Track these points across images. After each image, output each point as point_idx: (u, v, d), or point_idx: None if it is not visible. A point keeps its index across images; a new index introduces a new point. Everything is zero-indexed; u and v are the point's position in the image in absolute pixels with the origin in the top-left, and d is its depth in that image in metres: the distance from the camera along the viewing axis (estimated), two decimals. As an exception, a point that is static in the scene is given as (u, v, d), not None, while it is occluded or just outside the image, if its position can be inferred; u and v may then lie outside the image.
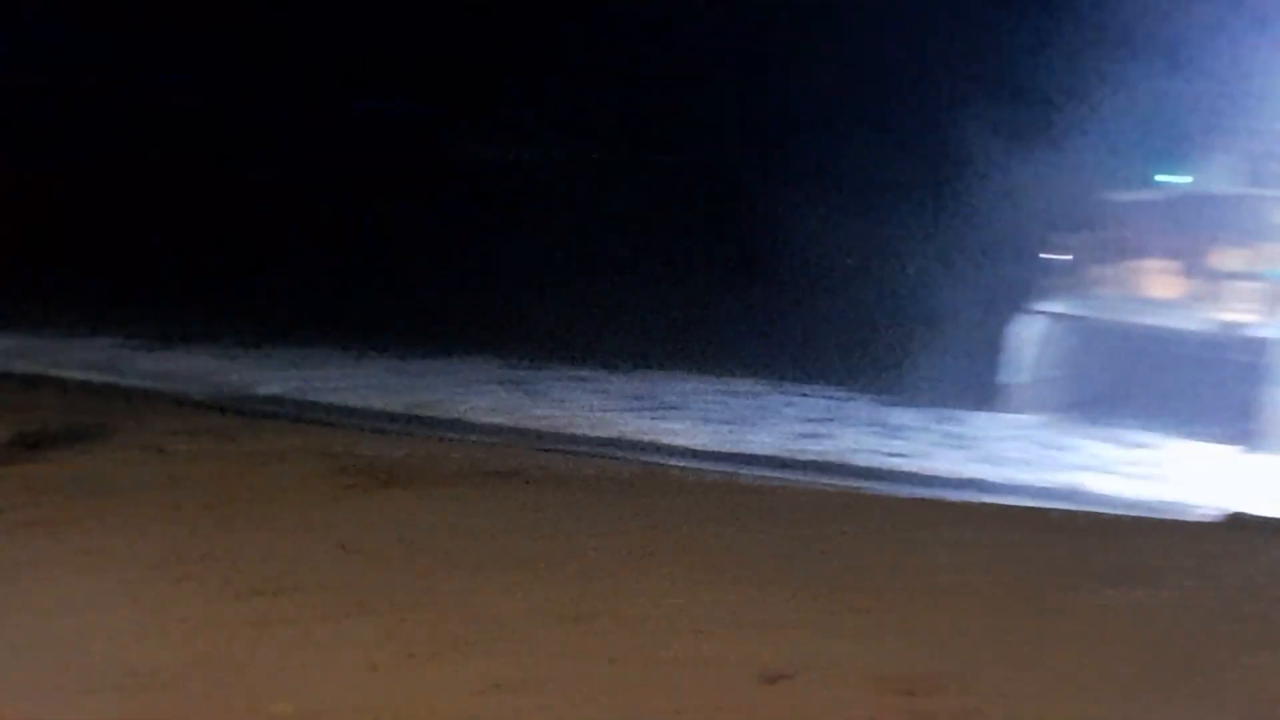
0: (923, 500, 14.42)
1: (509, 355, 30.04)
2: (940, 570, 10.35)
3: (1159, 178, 34.72)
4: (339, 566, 9.23)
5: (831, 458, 22.83)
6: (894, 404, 29.72)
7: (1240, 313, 31.46)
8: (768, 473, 19.39)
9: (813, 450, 23.37)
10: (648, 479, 15.05)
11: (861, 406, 29.56)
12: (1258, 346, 30.06)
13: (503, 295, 36.47)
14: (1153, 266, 34.60)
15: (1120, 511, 15.47)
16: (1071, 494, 20.24)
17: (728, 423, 25.73)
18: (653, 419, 25.12)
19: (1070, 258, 32.42)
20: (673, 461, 19.45)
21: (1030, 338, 31.63)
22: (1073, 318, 31.93)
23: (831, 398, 30.27)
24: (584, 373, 29.41)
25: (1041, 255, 32.02)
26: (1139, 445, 27.00)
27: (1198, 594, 10.08)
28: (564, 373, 29.20)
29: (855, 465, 22.10)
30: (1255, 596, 10.19)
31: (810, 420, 27.30)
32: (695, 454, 21.84)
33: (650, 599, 8.66)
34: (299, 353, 27.91)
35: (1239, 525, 12.71)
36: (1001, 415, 29.86)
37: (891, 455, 23.47)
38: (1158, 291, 33.88)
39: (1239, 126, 34.06)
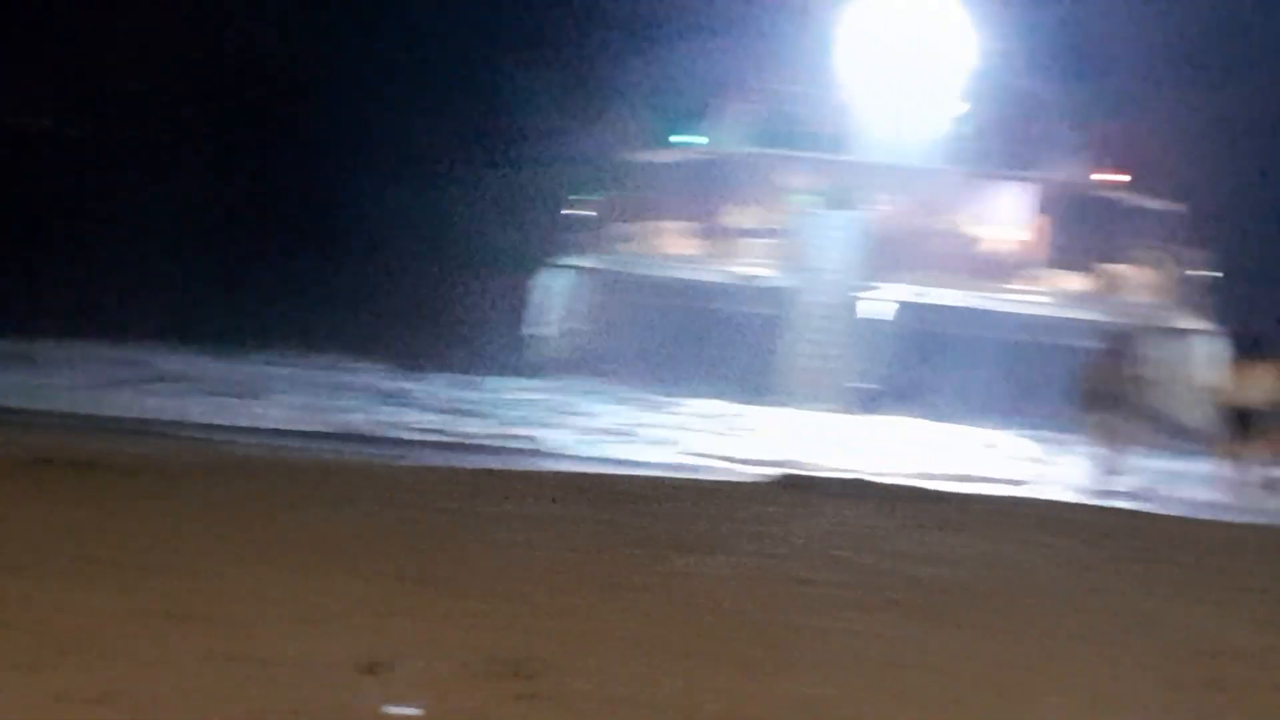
0: (475, 470, 14.40)
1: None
2: (519, 546, 10.42)
3: (675, 139, 35.87)
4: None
5: (363, 429, 22.48)
6: (409, 371, 29.61)
7: (754, 266, 32.84)
8: (282, 443, 19.03)
9: (328, 421, 23.00)
10: (199, 460, 14.59)
11: (377, 376, 29.40)
12: (772, 297, 31.39)
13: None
14: (672, 223, 35.73)
15: (670, 475, 15.80)
16: (610, 460, 20.51)
17: (235, 395, 25.11)
18: (157, 395, 24.22)
19: (593, 214, 33.14)
20: (187, 436, 18.89)
21: (554, 292, 32.11)
22: (595, 271, 32.62)
23: (345, 368, 30.01)
24: (76, 345, 28.13)
25: (565, 212, 32.64)
26: (666, 404, 27.72)
27: (761, 558, 10.45)
28: (54, 346, 27.81)
29: (386, 437, 21.87)
30: (815, 557, 10.65)
31: (323, 389, 26.94)
32: (223, 429, 21.07)
33: (248, 593, 8.44)
34: None
35: (789, 485, 13.23)
36: (518, 379, 30.18)
37: (424, 427, 23.21)
38: (677, 247, 35.03)
39: (748, 90, 35.49)
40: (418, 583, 9.05)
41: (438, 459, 17.07)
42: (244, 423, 21.85)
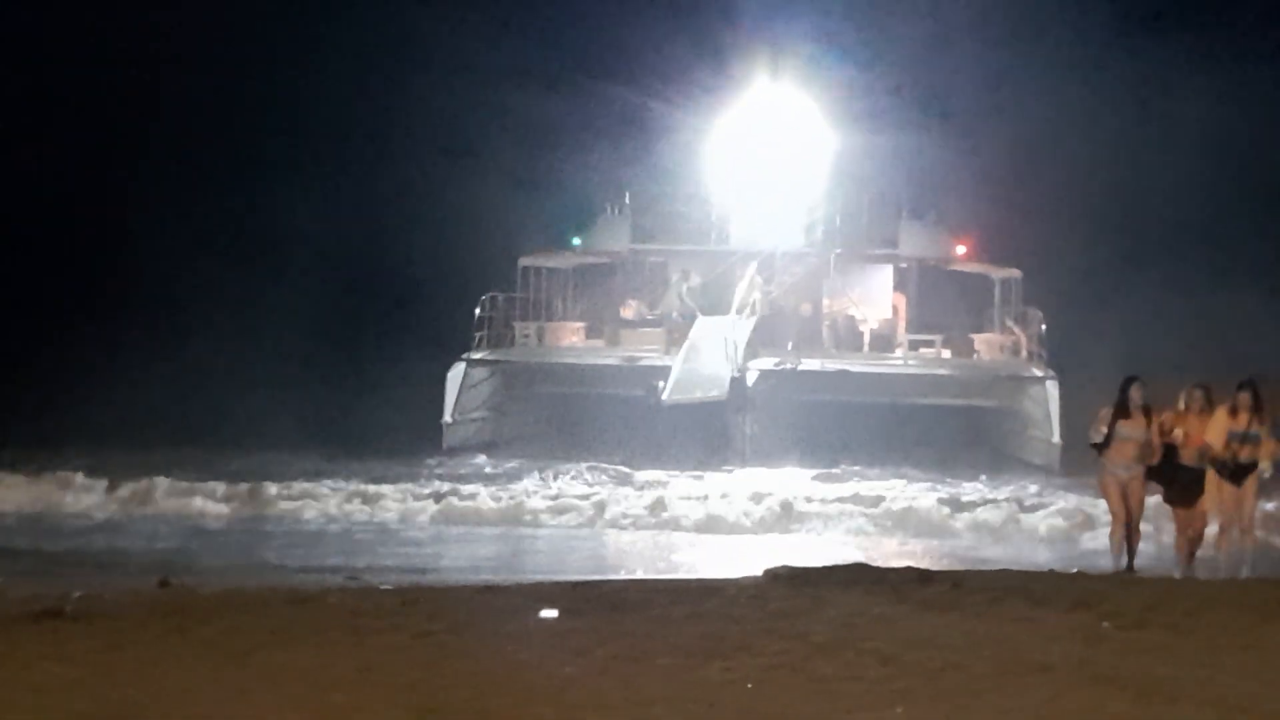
0: (479, 587, 12.82)
1: None
2: (549, 664, 9.08)
3: (572, 240, 34.94)
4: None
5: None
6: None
7: (642, 350, 31.74)
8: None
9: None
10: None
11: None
12: (654, 376, 30.22)
13: None
14: (565, 315, 34.65)
15: (658, 578, 14.24)
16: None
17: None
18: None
19: (494, 312, 31.90)
20: None
21: (462, 382, 30.67)
22: (500, 363, 31.38)
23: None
24: None
25: (474, 311, 31.34)
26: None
27: (798, 656, 9.24)
28: None
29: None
30: (837, 651, 9.44)
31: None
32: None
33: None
34: None
35: (779, 578, 11.96)
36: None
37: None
38: (571, 338, 33.92)
39: (626, 193, 34.67)
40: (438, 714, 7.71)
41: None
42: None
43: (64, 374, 33.84)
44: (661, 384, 28.60)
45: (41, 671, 9.08)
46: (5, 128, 46.79)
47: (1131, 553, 14.56)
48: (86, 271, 44.49)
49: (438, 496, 22.40)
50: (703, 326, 30.72)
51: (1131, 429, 14.31)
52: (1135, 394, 14.35)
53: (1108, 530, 14.88)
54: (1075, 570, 14.09)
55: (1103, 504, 15.54)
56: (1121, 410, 14.34)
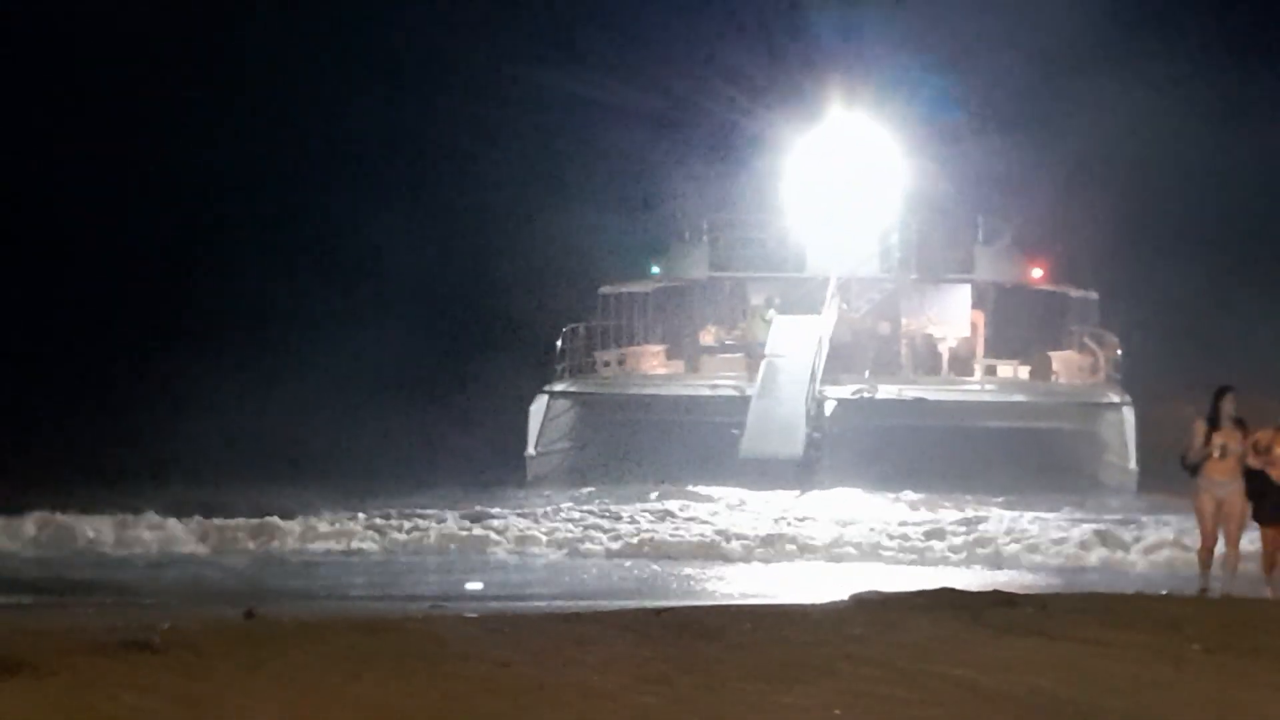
0: (549, 615, 12.61)
1: None
2: (628, 691, 8.90)
3: (651, 269, 34.89)
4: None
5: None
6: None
7: (722, 376, 31.58)
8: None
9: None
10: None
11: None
12: (741, 406, 30.00)
13: None
14: (646, 344, 34.57)
15: (740, 603, 13.99)
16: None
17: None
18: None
19: (574, 343, 31.84)
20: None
21: (544, 415, 30.62)
22: (582, 395, 31.31)
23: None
24: None
25: (555, 342, 31.33)
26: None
27: (880, 682, 9.01)
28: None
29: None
30: (915, 676, 9.20)
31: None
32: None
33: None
34: None
35: (863, 604, 11.71)
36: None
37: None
38: (651, 366, 33.82)
39: (703, 220, 34.60)
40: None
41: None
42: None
43: (148, 403, 34.14)
44: (737, 431, 28.39)
45: (121, 703, 9.03)
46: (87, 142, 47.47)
47: (1231, 570, 14.08)
48: (173, 298, 44.95)
49: (522, 523, 22.39)
50: (779, 333, 30.32)
51: (1225, 441, 13.88)
52: (1228, 405, 13.90)
53: (1197, 550, 14.54)
54: (1164, 592, 13.76)
55: (1192, 524, 15.23)
56: (1214, 423, 13.90)
